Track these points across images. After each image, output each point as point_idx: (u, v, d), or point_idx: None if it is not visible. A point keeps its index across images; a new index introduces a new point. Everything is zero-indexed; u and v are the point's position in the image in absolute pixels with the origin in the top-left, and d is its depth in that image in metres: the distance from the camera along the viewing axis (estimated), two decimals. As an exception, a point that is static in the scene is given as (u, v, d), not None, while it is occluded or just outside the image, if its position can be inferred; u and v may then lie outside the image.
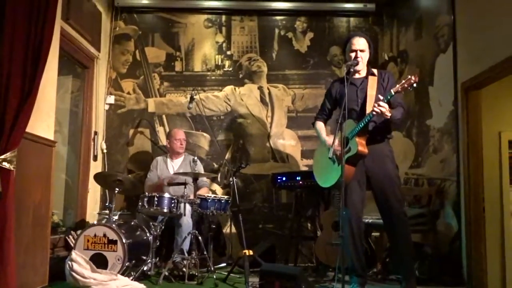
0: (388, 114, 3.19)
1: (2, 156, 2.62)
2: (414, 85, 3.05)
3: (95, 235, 3.68)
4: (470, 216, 3.87)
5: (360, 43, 3.50)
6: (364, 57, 3.51)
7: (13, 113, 2.68)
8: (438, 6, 4.54)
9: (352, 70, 3.45)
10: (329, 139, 3.56)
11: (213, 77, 5.54)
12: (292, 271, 2.93)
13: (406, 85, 3.07)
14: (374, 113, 3.19)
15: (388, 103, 3.23)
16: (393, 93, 3.15)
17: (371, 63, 3.66)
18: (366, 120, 3.25)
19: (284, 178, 4.82)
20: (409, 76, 3.05)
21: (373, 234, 4.53)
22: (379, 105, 3.15)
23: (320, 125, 3.74)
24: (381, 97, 3.21)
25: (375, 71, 3.56)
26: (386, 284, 3.97)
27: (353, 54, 3.49)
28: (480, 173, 3.91)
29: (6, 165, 2.64)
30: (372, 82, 3.47)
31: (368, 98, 3.39)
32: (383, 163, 3.40)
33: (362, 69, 3.55)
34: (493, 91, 3.96)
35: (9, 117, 2.66)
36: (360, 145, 3.30)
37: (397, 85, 3.14)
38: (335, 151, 3.44)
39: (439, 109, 4.40)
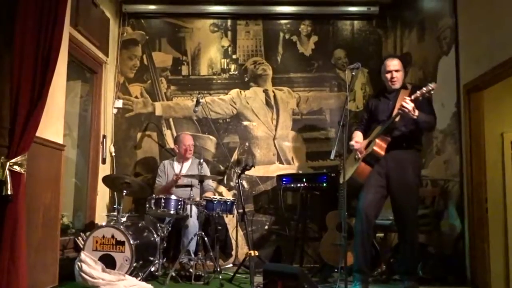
0: (415, 113, 3.36)
1: (13, 160, 2.70)
2: (432, 92, 3.28)
3: (103, 237, 3.77)
4: (473, 217, 3.90)
5: (394, 63, 3.71)
6: (399, 77, 3.71)
7: (24, 118, 2.76)
8: (440, 8, 4.58)
9: (390, 86, 3.73)
10: (355, 144, 3.75)
11: (219, 81, 5.62)
12: (294, 271, 2.98)
13: (424, 91, 3.29)
14: (400, 111, 3.37)
15: (417, 107, 3.39)
16: (412, 97, 3.35)
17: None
18: (389, 121, 3.47)
19: (289, 180, 4.89)
20: (428, 84, 3.28)
21: (377, 234, 4.56)
22: (406, 103, 3.33)
23: (356, 133, 3.92)
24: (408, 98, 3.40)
25: (408, 85, 3.75)
26: (390, 284, 4.01)
27: (389, 75, 3.71)
28: (483, 174, 3.94)
29: (17, 168, 2.71)
30: (403, 95, 3.63)
31: (396, 109, 3.55)
32: (404, 170, 3.57)
33: (398, 87, 3.73)
34: (496, 93, 3.97)
35: (19, 122, 2.73)
36: (377, 145, 3.51)
37: (417, 92, 3.34)
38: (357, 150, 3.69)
39: (442, 110, 4.43)
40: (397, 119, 3.47)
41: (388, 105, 3.70)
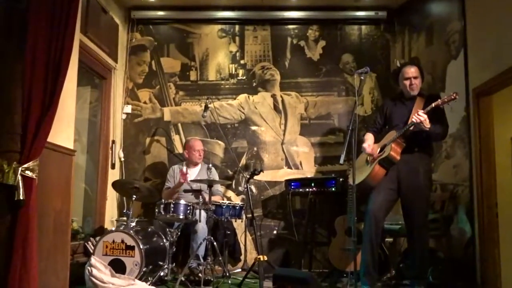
0: (427, 125, 3.42)
1: (25, 165, 2.71)
2: (455, 101, 3.36)
3: (113, 241, 3.79)
4: (483, 221, 3.88)
5: (411, 70, 3.76)
6: (418, 83, 3.76)
7: (35, 124, 2.78)
8: (448, 13, 4.58)
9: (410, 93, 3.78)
10: (368, 147, 3.81)
11: (227, 86, 5.64)
12: (303, 275, 2.99)
13: (446, 100, 3.36)
14: (413, 121, 3.43)
15: (430, 117, 3.44)
16: (433, 105, 3.41)
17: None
18: (404, 129, 3.52)
19: (297, 185, 4.89)
20: (451, 93, 3.34)
21: (387, 239, 4.55)
22: (418, 115, 3.40)
23: (368, 135, 3.98)
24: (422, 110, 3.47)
25: (424, 93, 3.81)
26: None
27: (407, 82, 3.75)
28: (493, 178, 3.93)
29: (29, 173, 2.73)
30: (420, 102, 3.71)
31: (411, 117, 3.59)
32: (416, 174, 3.60)
33: (416, 93, 3.78)
34: (505, 97, 3.96)
35: (31, 128, 2.76)
36: (393, 150, 3.56)
37: (439, 100, 3.40)
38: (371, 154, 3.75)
39: (451, 115, 4.39)
40: (411, 128, 3.51)
41: (405, 111, 3.74)
